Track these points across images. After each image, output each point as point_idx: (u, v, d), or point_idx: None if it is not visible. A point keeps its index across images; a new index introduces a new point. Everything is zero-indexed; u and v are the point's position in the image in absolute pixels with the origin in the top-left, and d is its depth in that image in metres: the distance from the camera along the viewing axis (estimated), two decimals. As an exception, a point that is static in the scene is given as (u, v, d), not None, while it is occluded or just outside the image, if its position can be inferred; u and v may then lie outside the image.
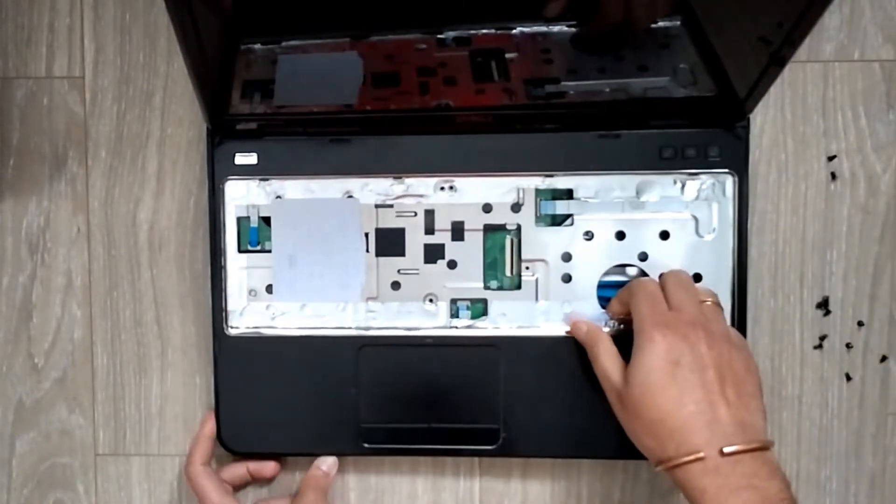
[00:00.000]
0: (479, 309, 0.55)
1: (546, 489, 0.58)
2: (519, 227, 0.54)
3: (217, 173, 0.54)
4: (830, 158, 0.56)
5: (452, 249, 0.54)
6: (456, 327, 0.55)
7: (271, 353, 0.55)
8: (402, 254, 0.54)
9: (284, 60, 0.52)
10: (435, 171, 0.54)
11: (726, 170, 0.53)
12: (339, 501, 0.58)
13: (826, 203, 0.56)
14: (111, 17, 0.57)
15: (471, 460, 0.58)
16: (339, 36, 0.53)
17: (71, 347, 0.59)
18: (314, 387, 0.55)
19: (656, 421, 0.46)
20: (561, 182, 0.54)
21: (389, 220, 0.54)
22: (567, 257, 0.54)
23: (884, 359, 0.57)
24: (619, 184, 0.54)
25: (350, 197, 0.54)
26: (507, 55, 0.53)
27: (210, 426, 0.55)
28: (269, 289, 0.55)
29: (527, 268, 0.54)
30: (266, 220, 0.55)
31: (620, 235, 0.54)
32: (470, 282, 0.54)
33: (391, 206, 0.54)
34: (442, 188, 0.54)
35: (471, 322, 0.55)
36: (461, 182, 0.54)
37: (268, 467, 0.56)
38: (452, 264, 0.54)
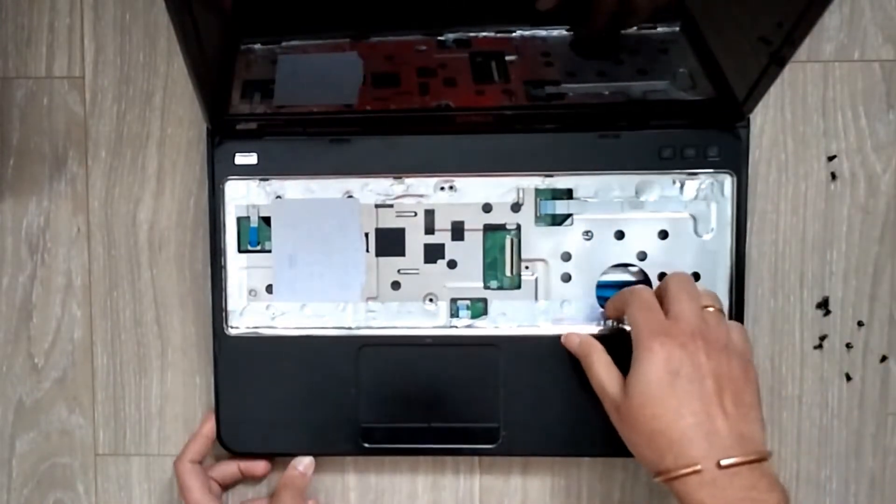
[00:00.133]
0: (479, 309, 0.55)
1: (546, 488, 0.58)
2: (519, 227, 0.54)
3: (217, 173, 0.54)
4: (830, 158, 0.56)
5: (452, 249, 0.54)
6: (456, 327, 0.55)
7: (271, 353, 0.55)
8: (402, 254, 0.54)
9: (284, 60, 0.53)
10: (435, 171, 0.54)
11: (725, 170, 0.53)
12: (339, 501, 0.58)
13: (826, 203, 0.56)
14: (111, 17, 0.57)
15: (471, 459, 0.58)
16: (339, 36, 0.53)
17: (71, 347, 0.59)
18: (314, 387, 0.55)
19: (655, 432, 0.46)
20: (561, 182, 0.54)
21: (389, 220, 0.54)
22: (566, 257, 0.54)
23: (884, 359, 0.57)
24: (618, 184, 0.54)
25: (350, 197, 0.54)
26: (507, 58, 0.53)
27: (209, 426, 0.55)
28: (269, 289, 0.55)
29: (526, 267, 0.54)
30: (266, 220, 0.55)
31: (620, 235, 0.54)
32: (470, 281, 0.54)
33: (391, 206, 0.54)
34: (442, 188, 0.54)
35: (471, 322, 0.55)
36: (461, 182, 0.54)
37: (259, 466, 0.56)
38: (452, 264, 0.54)
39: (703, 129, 0.53)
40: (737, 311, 0.53)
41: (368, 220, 0.54)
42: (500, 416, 0.54)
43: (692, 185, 0.53)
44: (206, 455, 0.56)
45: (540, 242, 0.54)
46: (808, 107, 0.56)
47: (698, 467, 0.44)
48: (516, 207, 0.54)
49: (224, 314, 0.55)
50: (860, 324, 0.57)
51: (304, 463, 0.55)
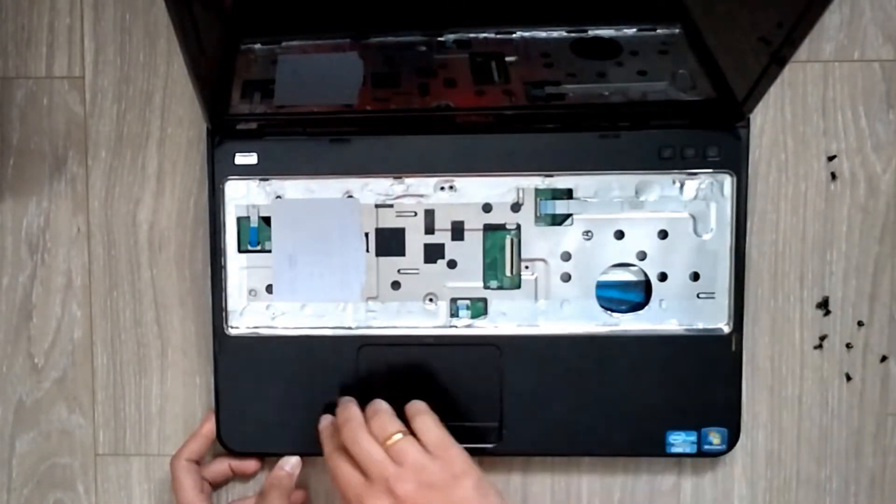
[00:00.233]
0: (479, 308, 0.55)
1: (546, 487, 0.58)
2: (519, 227, 0.54)
3: (217, 173, 0.54)
4: (830, 158, 0.56)
5: (452, 249, 0.54)
6: (456, 327, 0.55)
7: (271, 353, 0.55)
8: (402, 254, 0.54)
9: (284, 60, 0.53)
10: (435, 171, 0.54)
11: (725, 170, 0.53)
12: (339, 501, 0.58)
13: (826, 203, 0.56)
14: (111, 17, 0.57)
15: (471, 460, 0.58)
16: (339, 36, 0.53)
17: (71, 347, 0.59)
18: (314, 387, 0.55)
19: None
20: (560, 182, 0.54)
21: (389, 220, 0.54)
22: (566, 257, 0.54)
23: (884, 359, 0.57)
24: (618, 183, 0.54)
25: (350, 197, 0.54)
26: (507, 58, 0.53)
27: (209, 426, 0.56)
28: (269, 289, 0.55)
29: (526, 267, 0.54)
30: (266, 220, 0.55)
31: (619, 235, 0.54)
32: (470, 281, 0.54)
33: (391, 206, 0.54)
34: (442, 188, 0.54)
35: (470, 321, 0.55)
36: (461, 182, 0.54)
37: (250, 465, 0.57)
38: (452, 264, 0.54)
39: (703, 129, 0.53)
40: (736, 310, 0.53)
41: (368, 220, 0.54)
42: (500, 415, 0.54)
43: (692, 185, 0.53)
44: (203, 455, 0.56)
45: (540, 242, 0.54)
46: (808, 107, 0.56)
47: None
48: (516, 207, 0.54)
49: (224, 314, 0.55)
50: (860, 324, 0.57)
51: (290, 463, 0.55)
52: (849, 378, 0.57)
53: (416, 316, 0.55)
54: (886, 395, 0.57)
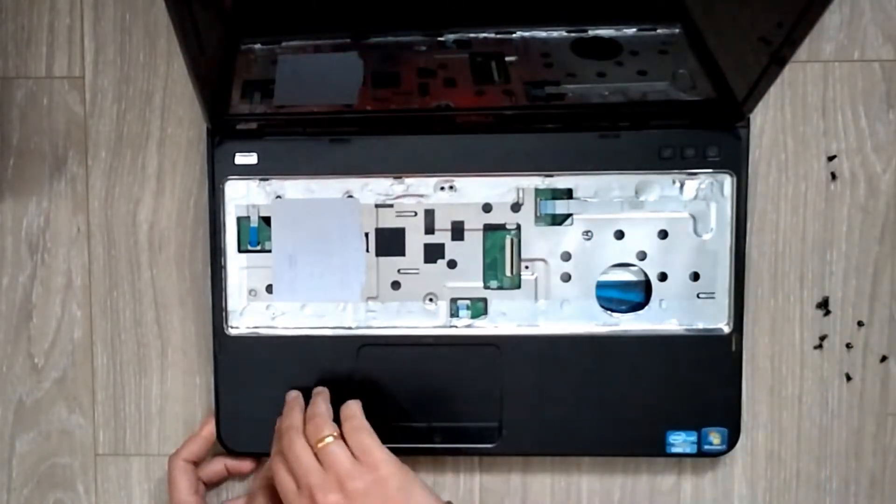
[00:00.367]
0: (479, 308, 0.55)
1: (546, 487, 0.58)
2: (519, 227, 0.54)
3: (217, 173, 0.54)
4: (830, 158, 0.56)
5: (452, 249, 0.54)
6: (456, 327, 0.55)
7: (271, 353, 0.55)
8: (402, 253, 0.54)
9: (284, 60, 0.53)
10: (435, 171, 0.54)
11: (725, 170, 0.53)
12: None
13: (826, 203, 0.56)
14: (111, 17, 0.57)
15: (471, 459, 0.58)
16: (339, 36, 0.53)
17: (71, 347, 0.59)
18: (314, 387, 0.54)
19: None
20: (560, 182, 0.54)
21: (389, 220, 0.54)
22: (566, 257, 0.54)
23: (884, 359, 0.57)
24: (618, 183, 0.54)
25: (350, 197, 0.54)
26: (507, 58, 0.53)
27: (208, 428, 0.56)
28: (269, 289, 0.55)
29: (526, 267, 0.54)
30: (266, 220, 0.55)
31: (619, 235, 0.54)
32: (470, 281, 0.54)
33: (391, 205, 0.54)
34: (442, 188, 0.54)
35: (470, 321, 0.55)
36: (461, 182, 0.54)
37: (245, 464, 0.57)
38: (452, 264, 0.54)
39: (703, 129, 0.53)
40: (736, 310, 0.53)
41: (368, 220, 0.54)
42: (500, 415, 0.54)
43: (692, 185, 0.53)
44: (202, 457, 0.56)
45: (540, 242, 0.54)
46: (808, 107, 0.56)
47: None
48: (516, 207, 0.54)
49: (224, 314, 0.55)
50: (860, 324, 0.57)
51: None
52: (849, 378, 0.57)
53: (416, 316, 0.55)
54: (886, 395, 0.57)
